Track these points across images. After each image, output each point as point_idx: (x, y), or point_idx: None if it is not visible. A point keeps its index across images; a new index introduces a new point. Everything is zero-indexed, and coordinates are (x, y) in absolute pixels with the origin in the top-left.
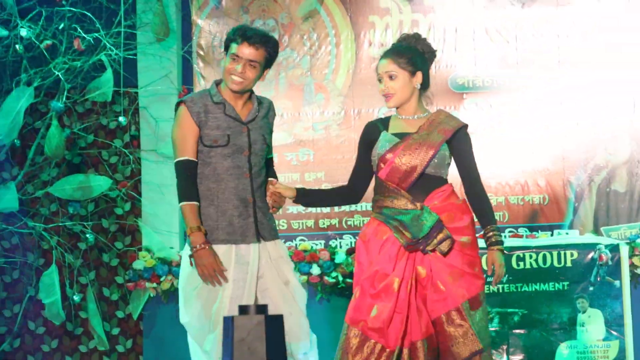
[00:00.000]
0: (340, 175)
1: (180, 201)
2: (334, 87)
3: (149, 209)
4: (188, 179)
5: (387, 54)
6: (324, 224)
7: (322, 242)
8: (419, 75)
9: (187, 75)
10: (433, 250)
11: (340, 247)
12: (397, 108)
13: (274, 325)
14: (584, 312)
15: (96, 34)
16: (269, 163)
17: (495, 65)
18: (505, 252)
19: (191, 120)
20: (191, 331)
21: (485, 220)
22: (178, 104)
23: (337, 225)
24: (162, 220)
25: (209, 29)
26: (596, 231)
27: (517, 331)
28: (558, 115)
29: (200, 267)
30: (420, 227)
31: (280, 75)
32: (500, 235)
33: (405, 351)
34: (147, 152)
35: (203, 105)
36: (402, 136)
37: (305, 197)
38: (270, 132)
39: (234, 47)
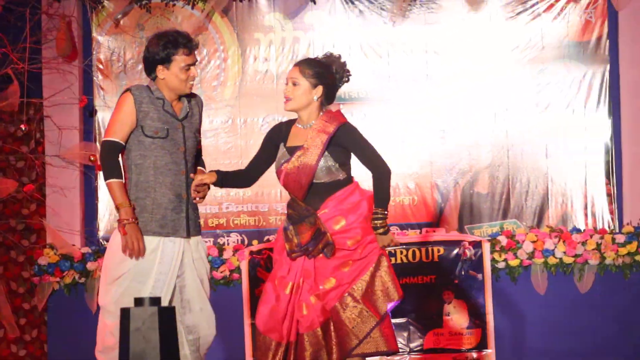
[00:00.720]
0: None
1: (107, 178)
2: (222, 98)
3: (53, 209)
4: (115, 158)
5: (299, 62)
6: (212, 222)
7: (211, 239)
8: (320, 89)
9: (87, 87)
10: (317, 255)
11: (228, 244)
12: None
13: (167, 316)
14: (449, 303)
15: (4, 49)
16: (200, 150)
17: (369, 78)
18: (385, 233)
19: (133, 108)
20: (106, 314)
21: (376, 203)
22: (125, 91)
23: (224, 224)
24: (65, 220)
25: (108, 45)
26: (461, 229)
27: None
28: (426, 124)
29: (125, 239)
30: (307, 235)
31: None
32: (382, 222)
33: (293, 344)
34: (51, 157)
35: (146, 96)
36: (292, 151)
37: (222, 180)
38: (200, 128)
39: (185, 59)
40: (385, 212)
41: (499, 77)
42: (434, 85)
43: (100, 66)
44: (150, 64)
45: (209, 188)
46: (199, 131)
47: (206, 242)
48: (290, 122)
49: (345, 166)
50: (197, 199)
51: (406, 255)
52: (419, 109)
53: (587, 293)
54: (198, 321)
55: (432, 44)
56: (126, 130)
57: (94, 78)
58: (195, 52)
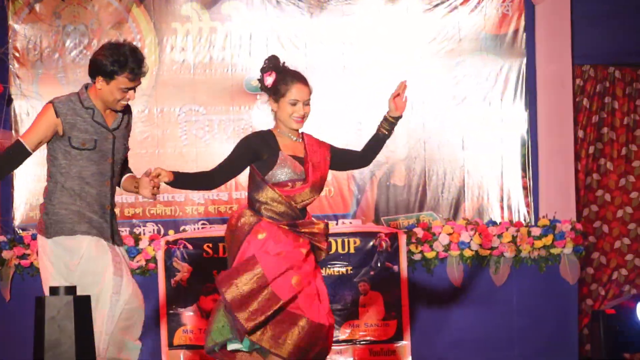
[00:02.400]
0: (144, 167)
1: None
2: (139, 88)
3: None
4: (12, 161)
5: (303, 81)
6: (129, 212)
7: (127, 229)
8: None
9: (3, 75)
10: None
11: (144, 234)
12: (281, 126)
13: (82, 305)
14: (365, 294)
15: None
16: (126, 159)
17: None
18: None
19: (52, 121)
20: None
21: (374, 137)
22: (47, 104)
23: (140, 214)
24: None
25: (24, 33)
26: (377, 221)
27: None
28: (343, 116)
29: None
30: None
31: None
32: (382, 124)
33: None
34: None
35: (71, 109)
36: (300, 161)
37: (179, 180)
38: (129, 136)
39: (125, 82)
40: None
41: (416, 69)
42: (351, 77)
43: (17, 54)
44: (94, 71)
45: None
46: (128, 140)
47: (122, 231)
48: (268, 133)
49: None
50: (153, 192)
51: None
52: (335, 100)
53: (503, 285)
54: (131, 324)
55: (349, 36)
56: (38, 138)
57: (10, 66)
58: (140, 79)
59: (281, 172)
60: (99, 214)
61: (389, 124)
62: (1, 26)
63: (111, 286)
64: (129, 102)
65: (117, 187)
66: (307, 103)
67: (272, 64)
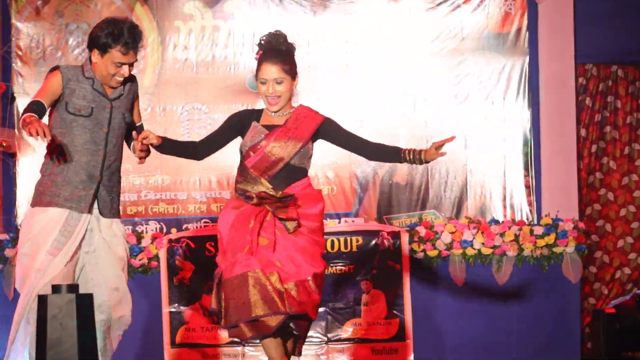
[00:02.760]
0: (147, 166)
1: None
2: (142, 86)
3: None
4: (30, 108)
5: (273, 59)
6: (131, 210)
7: (130, 227)
8: (297, 78)
9: (5, 74)
10: (278, 218)
11: (146, 232)
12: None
13: (85, 303)
14: (367, 293)
15: None
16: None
17: None
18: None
19: (59, 82)
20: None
21: (394, 150)
22: (53, 68)
23: (143, 212)
24: None
25: (27, 31)
26: (379, 220)
27: None
28: (345, 114)
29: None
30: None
31: None
32: (414, 151)
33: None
34: None
35: (75, 75)
36: (271, 128)
37: (166, 146)
38: (131, 109)
39: (118, 56)
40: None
41: (419, 67)
42: (354, 75)
43: (20, 53)
44: (90, 44)
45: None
46: (131, 112)
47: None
48: (259, 111)
49: (310, 160)
50: (140, 155)
51: (325, 245)
52: (338, 99)
53: (505, 284)
54: (111, 301)
55: (352, 34)
56: (48, 94)
57: (13, 65)
58: (135, 53)
59: (248, 139)
60: (85, 184)
61: (415, 160)
62: (4, 24)
63: (39, 262)
64: (135, 74)
65: (118, 160)
66: (278, 82)
67: (263, 40)
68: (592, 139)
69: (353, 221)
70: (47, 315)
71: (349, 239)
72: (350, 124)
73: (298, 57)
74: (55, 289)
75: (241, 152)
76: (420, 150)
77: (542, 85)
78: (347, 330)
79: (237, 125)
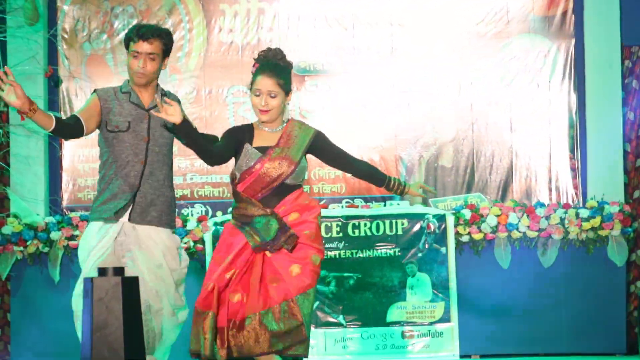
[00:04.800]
0: (191, 150)
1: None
2: (187, 69)
3: (16, 179)
4: (66, 120)
5: (269, 73)
6: (177, 193)
7: (176, 210)
8: (290, 94)
9: (52, 57)
10: (279, 249)
11: (192, 215)
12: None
13: (130, 286)
14: (412, 276)
15: None
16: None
17: (333, 50)
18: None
19: (96, 103)
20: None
21: (381, 177)
22: (92, 93)
23: (189, 195)
24: (29, 189)
25: (73, 14)
26: (425, 202)
27: (352, 294)
28: (391, 97)
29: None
30: (268, 231)
31: None
32: (399, 182)
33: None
34: (15, 126)
35: (112, 94)
36: (264, 150)
37: (187, 126)
38: None
39: (132, 45)
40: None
41: (464, 50)
42: (399, 58)
43: (65, 35)
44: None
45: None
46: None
47: None
48: (249, 126)
49: (305, 175)
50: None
51: (370, 228)
52: (383, 82)
53: (551, 267)
54: (163, 305)
55: (397, 17)
56: (87, 114)
57: (59, 47)
58: (149, 44)
59: (242, 163)
60: (125, 193)
61: (396, 191)
62: (50, 8)
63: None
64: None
65: (164, 169)
66: (272, 95)
67: (261, 55)
68: (639, 122)
69: (398, 204)
70: (93, 298)
71: (394, 221)
72: (396, 107)
73: (343, 40)
74: (102, 271)
75: (234, 176)
76: (405, 185)
77: (588, 68)
78: (392, 314)
79: (234, 145)
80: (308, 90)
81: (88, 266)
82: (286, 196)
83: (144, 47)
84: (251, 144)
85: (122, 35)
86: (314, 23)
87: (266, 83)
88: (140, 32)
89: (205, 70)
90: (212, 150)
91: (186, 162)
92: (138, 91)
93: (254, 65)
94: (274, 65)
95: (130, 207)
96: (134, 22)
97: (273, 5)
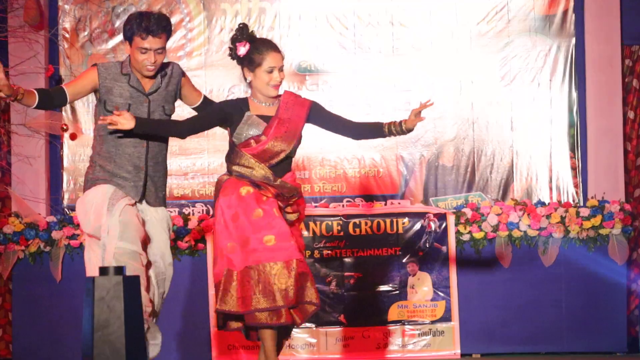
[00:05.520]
0: (193, 148)
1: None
2: (188, 68)
3: (18, 178)
4: (51, 100)
5: (276, 49)
6: (177, 193)
7: (177, 209)
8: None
9: (53, 56)
10: (286, 200)
11: (193, 214)
12: (257, 95)
13: (132, 286)
14: (413, 275)
15: None
16: (203, 107)
17: (335, 49)
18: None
19: (94, 79)
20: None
21: (377, 125)
22: (92, 66)
23: (190, 195)
24: (30, 188)
25: (74, 14)
26: (426, 201)
27: (353, 293)
28: (391, 96)
29: None
30: (284, 186)
31: None
32: (395, 122)
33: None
34: (17, 126)
35: (112, 73)
36: (265, 119)
37: (143, 126)
38: (173, 98)
39: (139, 41)
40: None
41: (465, 49)
42: (400, 58)
43: (67, 35)
44: (123, 37)
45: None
46: (173, 102)
47: (171, 212)
48: (244, 99)
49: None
50: (112, 120)
51: (371, 227)
52: (384, 81)
53: (551, 266)
54: (167, 274)
55: (399, 16)
56: (77, 87)
57: (60, 47)
58: (158, 39)
59: (244, 129)
60: (132, 174)
61: (398, 131)
62: (51, 7)
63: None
64: (179, 62)
65: (163, 151)
66: (281, 69)
67: (245, 33)
68: None
69: (399, 203)
70: (95, 297)
71: (395, 220)
72: (396, 106)
73: (345, 39)
74: (103, 271)
75: (234, 140)
76: (401, 121)
77: (588, 67)
78: (393, 313)
79: (225, 115)
80: (309, 89)
81: (115, 212)
82: (287, 172)
83: (153, 43)
84: (249, 112)
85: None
86: (315, 22)
87: (278, 58)
88: (149, 28)
89: (207, 70)
90: (182, 125)
91: (187, 162)
92: (138, 74)
93: (242, 44)
94: (272, 42)
95: (143, 189)
96: None
97: (274, 5)
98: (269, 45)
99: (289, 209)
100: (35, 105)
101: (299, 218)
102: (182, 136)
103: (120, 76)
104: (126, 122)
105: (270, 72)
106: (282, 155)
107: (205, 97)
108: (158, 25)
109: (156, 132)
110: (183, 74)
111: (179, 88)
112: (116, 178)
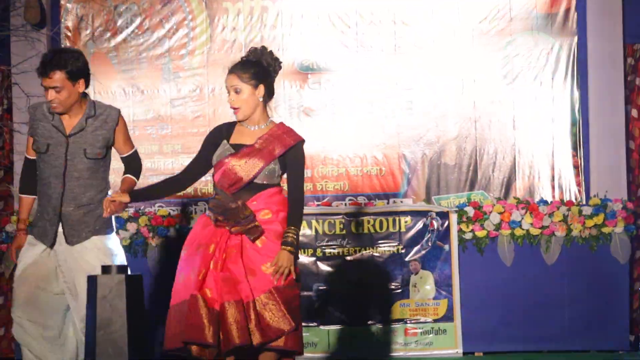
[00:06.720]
0: (195, 147)
1: (19, 192)
2: (190, 67)
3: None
4: (27, 173)
5: (233, 69)
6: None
7: (179, 208)
8: (261, 88)
9: None
10: (238, 233)
11: (195, 212)
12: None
13: (134, 284)
14: (416, 273)
15: None
16: (127, 161)
17: (337, 48)
18: (293, 254)
19: (30, 123)
20: None
21: (290, 221)
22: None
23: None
24: None
25: (76, 12)
26: (428, 200)
27: (355, 291)
28: (394, 95)
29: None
30: (237, 215)
31: (141, 55)
32: (295, 239)
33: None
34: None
35: (40, 113)
36: (238, 148)
37: (139, 196)
38: (102, 142)
39: (41, 80)
40: (298, 233)
41: (467, 48)
42: (402, 56)
43: (69, 34)
44: None
45: (125, 206)
46: (102, 145)
47: (174, 210)
48: (232, 123)
49: (280, 179)
50: (105, 214)
51: (373, 225)
52: (386, 80)
53: (554, 265)
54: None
55: (401, 15)
56: (29, 143)
57: (62, 46)
58: (50, 79)
59: (216, 157)
60: (49, 216)
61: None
62: (53, 5)
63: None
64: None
65: (90, 192)
66: (237, 91)
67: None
68: None
69: (402, 202)
70: (97, 296)
71: (397, 219)
72: (398, 106)
73: (347, 38)
74: (105, 269)
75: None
76: (285, 240)
77: (590, 66)
78: (395, 311)
79: (212, 146)
80: (311, 88)
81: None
82: (260, 192)
83: (47, 82)
84: (228, 140)
85: (126, 33)
86: (317, 21)
87: (229, 78)
88: (39, 70)
89: (209, 68)
90: (177, 182)
91: (188, 160)
92: (67, 115)
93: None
94: (241, 62)
95: (54, 231)
96: (138, 20)
97: (276, 4)
98: (230, 68)
99: (240, 231)
100: None
101: (275, 231)
102: (186, 186)
103: (46, 115)
104: (121, 202)
105: (228, 93)
106: (241, 183)
107: (135, 152)
108: (49, 64)
109: (153, 195)
110: (119, 121)
111: (112, 134)
112: (40, 221)
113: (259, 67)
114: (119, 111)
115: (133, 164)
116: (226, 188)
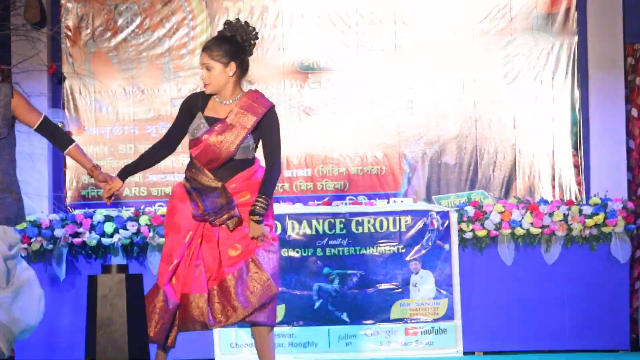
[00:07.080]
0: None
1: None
2: (191, 66)
3: (20, 176)
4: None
5: (205, 47)
6: (168, 190)
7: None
8: (233, 65)
9: (55, 54)
10: (220, 225)
11: None
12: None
13: (134, 283)
14: (416, 273)
15: None
16: (46, 129)
17: (337, 48)
18: (260, 222)
19: None
20: None
21: (261, 189)
22: None
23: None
24: (33, 186)
25: (76, 12)
26: (428, 199)
27: (356, 291)
28: (394, 94)
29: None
30: (214, 204)
31: (141, 55)
32: (263, 208)
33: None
34: (19, 123)
35: None
36: (211, 122)
37: (130, 173)
38: (1, 120)
39: None
40: (268, 201)
41: (467, 48)
42: (403, 56)
43: (69, 33)
44: None
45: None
46: (2, 122)
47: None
48: (208, 95)
49: (257, 146)
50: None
51: (373, 225)
52: (387, 79)
53: (554, 264)
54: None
55: (401, 14)
56: None
57: (63, 45)
58: None
59: (191, 131)
60: None
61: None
62: (54, 4)
63: None
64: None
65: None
66: (208, 67)
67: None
68: None
69: (402, 201)
70: (97, 295)
71: (397, 218)
72: (399, 105)
73: (347, 37)
74: (105, 269)
75: (189, 137)
76: (253, 209)
77: (591, 65)
78: (396, 311)
79: (188, 113)
80: (311, 87)
81: None
82: (239, 172)
83: None
84: (203, 112)
85: (126, 33)
86: (317, 20)
87: (202, 56)
88: None
89: None
90: (159, 147)
91: (189, 160)
92: None
93: None
94: (214, 38)
95: None
96: (138, 19)
97: (276, 3)
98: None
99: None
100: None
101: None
102: (172, 151)
103: None
104: (115, 185)
105: (201, 69)
106: (220, 160)
107: (45, 118)
108: None
109: (143, 166)
110: (13, 94)
111: (8, 110)
112: None
113: (232, 44)
114: (10, 86)
115: (53, 128)
116: (204, 164)
